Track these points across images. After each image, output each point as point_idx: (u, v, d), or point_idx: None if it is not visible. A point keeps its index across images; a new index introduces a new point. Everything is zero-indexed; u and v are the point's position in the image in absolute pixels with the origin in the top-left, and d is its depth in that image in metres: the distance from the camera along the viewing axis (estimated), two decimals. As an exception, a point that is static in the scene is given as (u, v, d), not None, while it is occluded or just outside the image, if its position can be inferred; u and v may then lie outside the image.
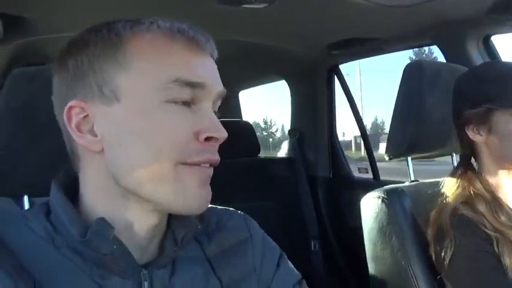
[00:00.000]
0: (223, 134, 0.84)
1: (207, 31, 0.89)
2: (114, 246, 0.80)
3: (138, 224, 0.86)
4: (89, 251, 0.80)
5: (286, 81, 3.82)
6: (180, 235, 0.90)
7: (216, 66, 0.89)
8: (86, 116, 0.83)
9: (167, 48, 0.83)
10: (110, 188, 0.84)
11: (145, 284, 0.84)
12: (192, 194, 0.83)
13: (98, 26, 0.86)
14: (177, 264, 0.90)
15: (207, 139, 0.83)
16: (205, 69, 0.86)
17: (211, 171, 0.86)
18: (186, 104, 0.83)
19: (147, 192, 0.82)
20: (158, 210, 0.86)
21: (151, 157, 0.81)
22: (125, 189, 0.83)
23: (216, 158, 0.86)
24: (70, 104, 0.83)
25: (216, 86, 0.87)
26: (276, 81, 4.11)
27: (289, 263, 1.08)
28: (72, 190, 0.88)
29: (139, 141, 0.81)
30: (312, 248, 3.40)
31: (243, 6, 2.12)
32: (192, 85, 0.82)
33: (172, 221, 0.91)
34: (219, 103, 0.90)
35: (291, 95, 3.82)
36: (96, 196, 0.86)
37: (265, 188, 3.35)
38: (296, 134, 3.72)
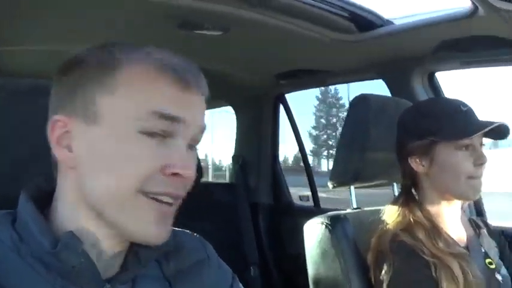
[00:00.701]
0: (189, 173, 0.85)
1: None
2: (82, 260, 0.82)
3: (105, 242, 0.87)
4: (56, 262, 0.81)
5: (233, 108, 3.85)
6: (143, 254, 0.91)
7: (202, 104, 0.91)
8: (67, 132, 0.85)
9: (155, 81, 0.84)
10: (80, 205, 0.85)
11: None
12: (149, 228, 0.84)
13: (101, 45, 0.88)
14: (137, 281, 0.92)
15: (173, 174, 0.84)
16: (187, 105, 0.86)
17: (172, 209, 0.87)
18: (161, 136, 0.84)
19: (109, 217, 0.84)
20: (115, 232, 0.87)
21: (114, 184, 0.82)
22: (95, 212, 0.84)
23: (178, 192, 0.86)
24: (56, 117, 0.85)
25: (195, 122, 0.88)
26: (222, 106, 4.13)
27: (241, 285, 1.11)
28: (43, 202, 0.89)
29: (106, 166, 0.82)
30: (252, 274, 3.41)
31: (200, 32, 2.16)
32: (169, 118, 0.83)
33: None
34: (200, 137, 0.91)
35: (237, 122, 3.84)
36: (68, 210, 0.87)
37: (206, 213, 3.34)
38: (239, 160, 3.73)
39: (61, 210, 0.88)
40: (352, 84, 3.26)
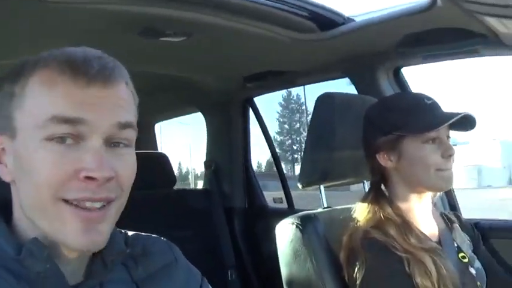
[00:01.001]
0: (103, 174, 0.82)
1: (127, 63, 0.90)
2: (48, 265, 0.82)
3: (67, 248, 0.87)
4: (21, 269, 0.82)
5: (202, 113, 3.83)
6: (108, 258, 0.92)
7: (117, 97, 0.87)
8: (3, 149, 0.87)
9: (54, 84, 0.83)
10: (23, 215, 0.87)
11: None
12: (77, 236, 0.83)
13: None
14: (104, 286, 0.91)
15: (87, 178, 0.81)
16: (90, 103, 0.83)
17: (101, 213, 0.84)
18: (70, 140, 0.82)
19: (40, 227, 0.84)
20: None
21: (33, 194, 0.83)
22: (28, 219, 0.86)
23: (101, 196, 0.83)
24: None
25: (106, 120, 0.84)
26: (192, 113, 4.12)
27: (210, 287, 1.12)
28: (7, 211, 0.90)
29: (24, 177, 0.84)
30: (229, 278, 3.40)
31: (162, 39, 2.15)
32: (70, 121, 0.81)
33: None
34: (125, 135, 0.88)
35: (207, 127, 3.83)
36: (27, 220, 0.87)
37: (181, 219, 3.34)
38: (212, 165, 3.73)
39: (22, 221, 0.89)
40: (310, 87, 3.23)
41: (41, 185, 0.81)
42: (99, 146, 0.83)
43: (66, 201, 0.82)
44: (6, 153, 0.87)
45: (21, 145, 0.83)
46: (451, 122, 1.51)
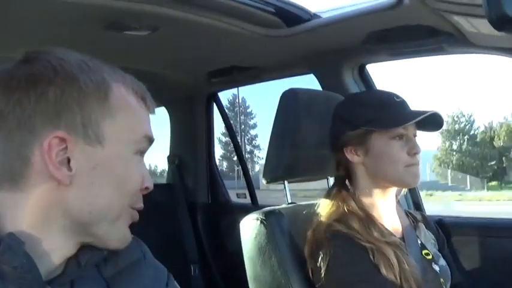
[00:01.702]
0: (152, 185, 0.97)
1: (92, 56, 0.95)
2: (24, 260, 0.82)
3: (56, 248, 0.88)
4: None
5: (166, 108, 3.81)
6: (83, 259, 0.93)
7: None
8: (64, 148, 0.86)
9: (138, 104, 0.94)
10: (51, 217, 0.87)
11: None
12: (125, 235, 0.96)
13: (74, 59, 0.91)
14: (75, 283, 0.92)
15: (145, 188, 0.95)
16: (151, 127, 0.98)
17: None
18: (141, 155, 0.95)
19: (101, 230, 0.91)
20: (88, 243, 0.92)
21: (117, 199, 0.90)
22: (77, 224, 0.89)
23: None
24: (56, 133, 0.85)
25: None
26: (156, 107, 4.08)
27: (176, 283, 1.12)
28: None
29: (112, 184, 0.89)
30: (192, 273, 3.39)
31: (127, 32, 2.13)
32: (151, 141, 0.96)
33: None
34: None
35: (170, 122, 3.81)
36: (26, 218, 0.87)
37: (143, 214, 3.30)
38: (175, 160, 3.72)
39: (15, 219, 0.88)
40: (274, 84, 3.22)
41: (129, 192, 0.92)
42: None
43: (131, 207, 0.94)
44: (71, 156, 0.86)
45: (111, 154, 0.89)
46: (419, 118, 1.53)
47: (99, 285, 0.96)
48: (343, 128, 1.63)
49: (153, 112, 0.99)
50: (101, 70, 0.92)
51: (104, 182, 0.89)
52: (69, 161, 0.86)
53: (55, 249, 0.89)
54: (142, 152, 0.95)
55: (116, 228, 0.92)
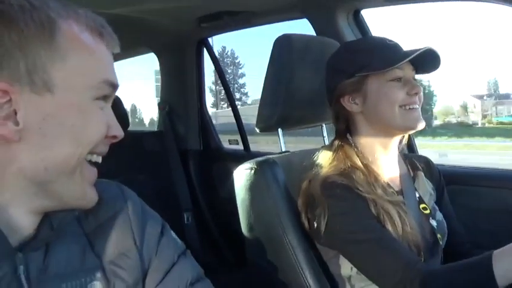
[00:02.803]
0: (122, 133, 0.92)
1: (79, 3, 0.88)
2: None
3: (21, 210, 0.85)
4: None
5: (156, 54, 3.76)
6: (56, 220, 0.89)
7: None
8: (8, 101, 0.79)
9: (96, 45, 0.86)
10: (6, 179, 0.82)
11: (21, 267, 0.82)
12: (87, 192, 0.89)
13: (19, 0, 0.81)
14: (52, 245, 0.88)
15: (112, 136, 0.90)
16: (114, 68, 0.91)
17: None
18: (104, 101, 0.88)
19: (59, 188, 0.85)
20: (52, 203, 0.87)
21: (74, 150, 0.83)
22: (35, 184, 0.83)
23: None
24: None
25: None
26: (145, 53, 4.03)
27: (172, 232, 1.08)
28: None
29: (66, 134, 0.82)
30: (186, 221, 3.41)
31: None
32: (113, 86, 0.89)
33: None
34: None
35: (160, 68, 3.77)
36: (32, 185, 0.84)
37: (135, 161, 3.31)
38: (166, 107, 3.68)
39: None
40: (265, 29, 3.16)
41: (87, 143, 0.85)
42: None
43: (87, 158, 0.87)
44: (18, 108, 0.79)
45: (63, 102, 0.82)
46: (415, 55, 1.47)
47: (79, 242, 0.93)
48: (338, 78, 1.58)
49: (115, 49, 0.91)
50: (46, 7, 0.82)
51: (57, 134, 0.81)
52: (16, 114, 0.79)
53: (20, 214, 0.85)
54: (106, 98, 0.88)
55: (74, 184, 0.86)
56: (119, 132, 0.90)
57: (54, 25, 0.81)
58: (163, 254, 1.03)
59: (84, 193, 0.88)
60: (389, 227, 1.43)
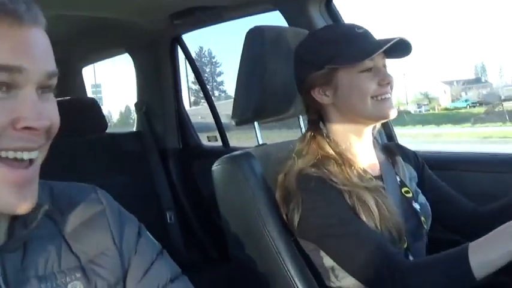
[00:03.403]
0: (43, 123, 0.80)
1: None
2: None
3: None
4: None
5: (130, 54, 3.73)
6: (29, 218, 0.86)
7: (44, 40, 0.83)
8: None
9: None
10: None
11: None
12: (10, 198, 0.80)
13: None
14: (28, 246, 0.87)
15: (26, 128, 0.78)
16: (26, 48, 0.79)
17: (31, 170, 0.82)
18: (4, 88, 0.77)
19: None
20: None
21: None
22: None
23: (34, 145, 0.81)
24: None
25: (40, 68, 0.81)
26: (120, 54, 4.00)
27: (149, 233, 1.08)
28: None
29: None
30: (168, 220, 3.39)
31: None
32: (7, 69, 0.76)
33: None
34: (51, 82, 0.84)
35: (135, 68, 3.74)
36: None
37: (115, 163, 3.29)
38: (143, 107, 3.66)
39: None
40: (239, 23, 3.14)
41: None
42: (34, 95, 0.80)
43: None
44: None
45: None
46: (385, 48, 1.45)
47: (57, 244, 0.92)
48: (307, 69, 1.57)
49: (35, 26, 0.81)
50: None
51: None
52: None
53: None
54: (4, 85, 0.77)
55: None
56: (36, 124, 0.79)
57: None
58: (142, 253, 1.03)
59: (5, 200, 0.80)
60: (365, 216, 1.42)
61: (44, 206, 0.88)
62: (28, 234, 0.87)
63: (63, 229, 0.94)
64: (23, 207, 0.81)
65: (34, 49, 0.80)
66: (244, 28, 1.82)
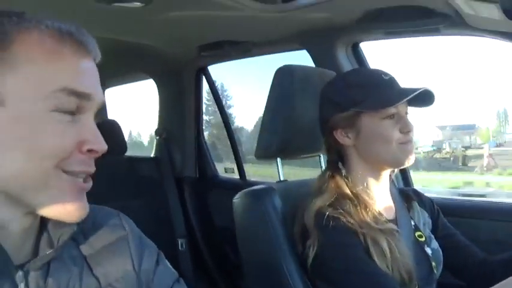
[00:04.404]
0: (104, 147, 0.86)
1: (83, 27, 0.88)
2: None
3: (13, 224, 0.84)
4: None
5: (154, 81, 3.77)
6: (55, 237, 0.88)
7: (97, 72, 0.88)
8: None
9: (56, 51, 0.81)
10: None
11: (22, 285, 0.83)
12: (68, 204, 0.83)
13: None
14: (52, 265, 0.88)
15: (88, 151, 0.84)
16: (91, 77, 0.85)
17: (87, 186, 0.87)
18: (71, 113, 0.82)
19: (29, 198, 0.81)
20: (35, 213, 0.85)
21: (33, 164, 0.79)
22: (6, 196, 0.81)
23: (93, 169, 0.86)
24: None
25: (100, 96, 0.87)
26: (144, 79, 4.05)
27: (167, 261, 1.09)
28: None
29: (22, 148, 0.79)
30: (180, 248, 3.39)
31: (119, 4, 2.08)
32: (79, 95, 0.82)
33: (49, 222, 0.90)
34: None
35: (159, 95, 3.78)
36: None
37: (131, 187, 3.30)
38: (163, 133, 3.69)
39: None
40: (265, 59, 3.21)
41: (46, 155, 0.79)
42: (93, 120, 0.86)
43: (65, 171, 0.82)
44: None
45: (14, 115, 0.78)
46: (409, 97, 1.49)
47: (79, 265, 0.93)
48: (332, 110, 1.60)
49: (87, 57, 0.86)
50: (4, 19, 0.81)
51: (8, 147, 0.79)
52: None
53: (13, 227, 0.85)
54: (77, 109, 0.83)
55: (49, 198, 0.82)
56: (96, 147, 0.84)
57: (8, 37, 0.79)
58: (159, 280, 1.04)
59: (65, 206, 0.83)
60: (377, 257, 1.43)
61: (72, 226, 0.90)
62: (53, 254, 0.88)
63: (84, 251, 0.95)
64: (81, 215, 0.86)
65: (96, 79, 0.87)
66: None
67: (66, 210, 0.84)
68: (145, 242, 1.07)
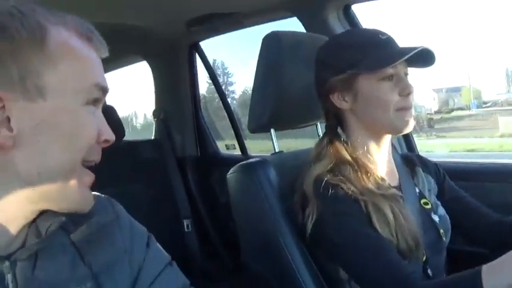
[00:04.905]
0: (113, 136, 0.91)
1: (70, 13, 0.90)
2: None
3: (17, 221, 0.86)
4: None
5: (147, 62, 3.75)
6: (43, 228, 0.88)
7: None
8: (1, 108, 0.79)
9: (86, 50, 0.87)
10: (2, 184, 0.82)
11: (9, 276, 0.83)
12: (85, 195, 0.90)
13: (3, 7, 0.81)
14: (40, 256, 0.87)
15: (104, 141, 0.90)
16: (103, 72, 0.91)
17: (93, 175, 0.92)
18: (94, 106, 0.88)
19: (54, 193, 0.85)
20: (48, 208, 0.87)
21: (68, 156, 0.84)
22: (30, 189, 0.83)
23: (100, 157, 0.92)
24: None
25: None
26: (137, 62, 4.01)
27: (158, 244, 1.09)
28: None
29: (59, 140, 0.83)
30: (185, 229, 3.37)
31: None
32: (104, 90, 0.89)
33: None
34: None
35: (153, 76, 3.76)
36: (29, 188, 0.84)
37: (133, 171, 3.28)
38: (161, 114, 3.66)
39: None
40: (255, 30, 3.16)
41: (82, 146, 0.85)
42: (101, 112, 0.91)
43: (84, 162, 0.87)
44: (10, 115, 0.79)
45: (55, 107, 0.82)
46: (408, 56, 1.41)
47: (69, 254, 0.92)
48: (327, 73, 1.52)
49: (104, 54, 0.91)
50: (35, 14, 0.83)
51: (50, 139, 0.82)
52: (9, 120, 0.79)
53: (11, 219, 0.85)
54: (96, 102, 0.88)
55: (70, 189, 0.86)
56: (110, 137, 0.90)
57: (45, 31, 0.81)
58: (150, 263, 1.04)
59: (82, 197, 0.89)
60: (380, 225, 1.37)
61: (61, 217, 0.90)
62: (40, 244, 0.87)
63: (75, 238, 0.94)
64: (92, 203, 0.92)
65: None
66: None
67: (82, 200, 0.89)
68: (134, 225, 1.07)
